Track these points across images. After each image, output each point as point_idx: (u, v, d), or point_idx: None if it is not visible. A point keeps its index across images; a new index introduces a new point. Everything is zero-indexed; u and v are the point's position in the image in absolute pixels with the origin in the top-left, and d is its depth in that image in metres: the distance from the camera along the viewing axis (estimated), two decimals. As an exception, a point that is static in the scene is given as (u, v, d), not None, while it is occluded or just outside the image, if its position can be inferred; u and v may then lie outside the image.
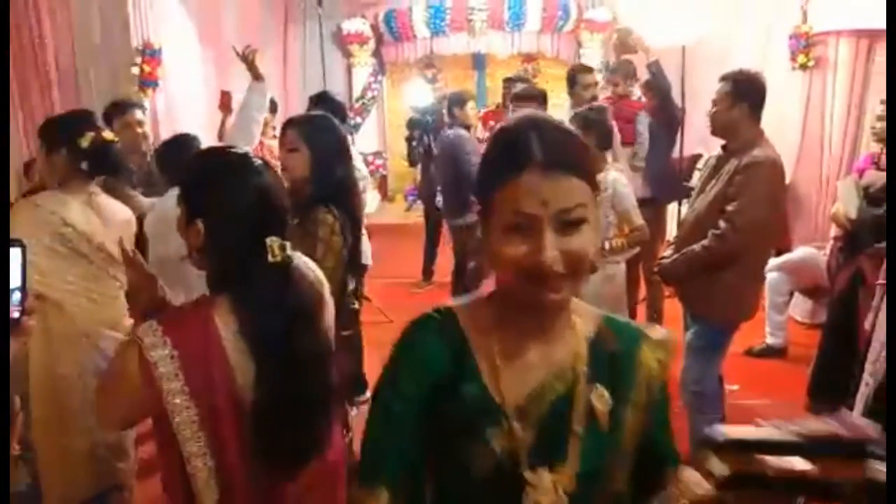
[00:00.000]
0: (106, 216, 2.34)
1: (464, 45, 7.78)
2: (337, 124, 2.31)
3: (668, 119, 4.28)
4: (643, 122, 4.33)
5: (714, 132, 2.82)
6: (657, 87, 4.26)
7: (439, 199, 5.76)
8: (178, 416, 1.24)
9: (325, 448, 1.40)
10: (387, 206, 8.56)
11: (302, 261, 1.48)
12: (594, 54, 7.74)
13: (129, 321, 2.33)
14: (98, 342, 2.26)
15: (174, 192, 1.46)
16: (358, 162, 3.63)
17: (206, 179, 1.36)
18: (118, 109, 3.16)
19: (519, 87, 4.39)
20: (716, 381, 2.91)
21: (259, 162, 1.39)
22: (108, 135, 2.33)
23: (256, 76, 3.11)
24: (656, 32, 4.61)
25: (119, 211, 2.42)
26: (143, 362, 1.23)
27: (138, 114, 3.20)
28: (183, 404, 1.23)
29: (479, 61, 8.21)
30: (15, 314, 1.21)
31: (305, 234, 2.02)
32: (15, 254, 1.22)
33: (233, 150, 1.44)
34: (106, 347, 2.28)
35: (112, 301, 2.33)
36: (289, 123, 2.24)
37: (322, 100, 3.55)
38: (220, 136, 4.13)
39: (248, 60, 3.11)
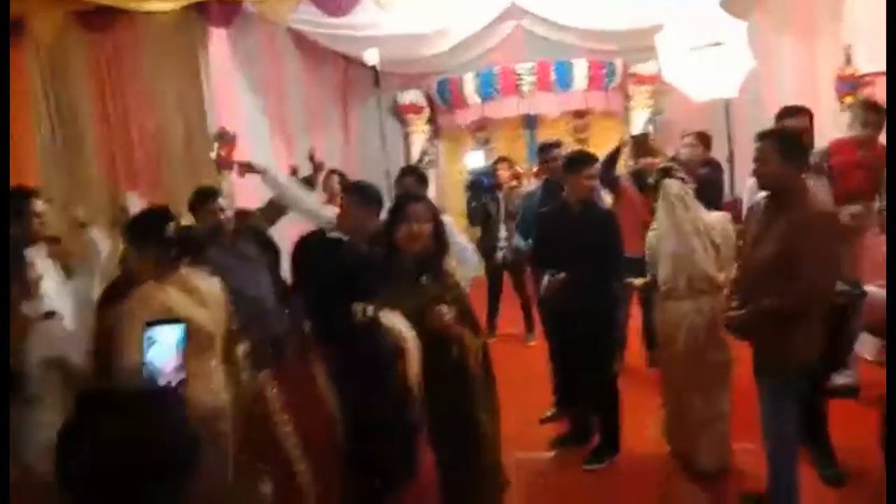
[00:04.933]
0: (201, 295, 2.58)
1: (514, 108, 8.05)
2: None
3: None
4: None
5: (763, 188, 2.90)
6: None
7: (500, 253, 6.00)
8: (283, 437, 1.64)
9: (412, 473, 1.76)
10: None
11: (387, 318, 1.82)
12: (643, 105, 7.91)
13: (224, 392, 2.62)
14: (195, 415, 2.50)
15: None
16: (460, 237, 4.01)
17: (297, 256, 1.77)
18: (202, 199, 3.42)
19: (555, 151, 4.76)
20: (795, 426, 2.94)
21: (348, 248, 1.77)
22: (184, 221, 2.67)
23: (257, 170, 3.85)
24: (698, 88, 4.76)
25: (210, 285, 2.64)
26: (262, 398, 1.64)
27: (221, 201, 3.44)
28: (287, 428, 1.64)
29: (529, 122, 8.48)
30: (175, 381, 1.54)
31: (438, 285, 2.44)
32: (177, 329, 1.52)
33: (329, 234, 1.85)
34: (205, 417, 2.52)
35: (209, 375, 2.60)
36: (419, 200, 2.67)
37: (411, 172, 4.06)
38: None
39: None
